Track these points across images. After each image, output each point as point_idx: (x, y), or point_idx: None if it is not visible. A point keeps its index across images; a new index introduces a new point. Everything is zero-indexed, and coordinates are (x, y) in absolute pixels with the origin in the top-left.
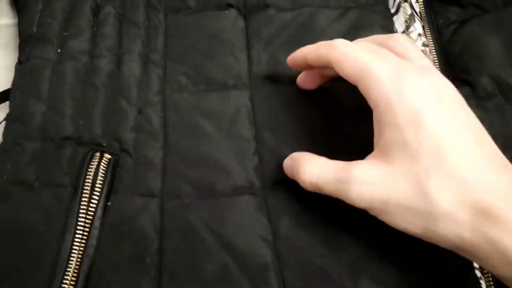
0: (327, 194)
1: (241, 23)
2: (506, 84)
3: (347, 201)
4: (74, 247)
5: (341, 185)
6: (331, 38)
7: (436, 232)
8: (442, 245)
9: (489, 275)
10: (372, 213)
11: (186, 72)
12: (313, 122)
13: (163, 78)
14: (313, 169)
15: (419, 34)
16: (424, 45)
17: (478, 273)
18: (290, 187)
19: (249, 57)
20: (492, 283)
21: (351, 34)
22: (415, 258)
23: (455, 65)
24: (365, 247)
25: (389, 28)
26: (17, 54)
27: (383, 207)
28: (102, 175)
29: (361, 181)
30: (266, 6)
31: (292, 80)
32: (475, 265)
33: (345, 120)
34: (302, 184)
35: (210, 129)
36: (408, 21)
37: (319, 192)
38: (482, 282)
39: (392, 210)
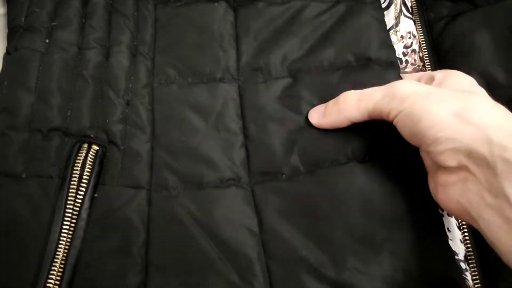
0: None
1: (230, 15)
2: (494, 80)
3: None
4: (61, 239)
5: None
6: (318, 28)
7: None
8: None
9: (475, 264)
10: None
11: (174, 65)
12: (299, 114)
13: (151, 70)
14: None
15: (402, 36)
16: (405, 47)
17: (463, 265)
18: (277, 179)
19: (237, 50)
20: (477, 273)
21: (339, 23)
22: (399, 253)
23: (445, 60)
24: (350, 238)
25: (379, 18)
26: (5, 44)
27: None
28: (90, 166)
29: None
30: None
31: (278, 71)
32: (461, 257)
33: None
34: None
35: (197, 122)
36: (397, 18)
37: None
38: (468, 274)
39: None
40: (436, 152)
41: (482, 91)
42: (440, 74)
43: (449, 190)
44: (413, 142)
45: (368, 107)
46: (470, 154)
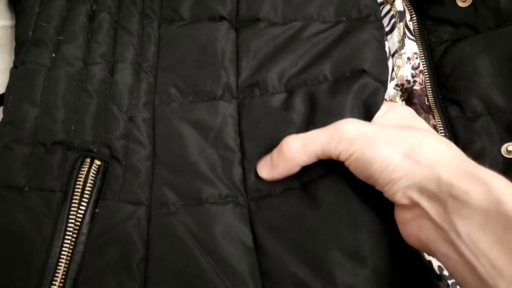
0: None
1: (232, 35)
2: (494, 105)
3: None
4: (63, 253)
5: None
6: (317, 45)
7: None
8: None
9: None
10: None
11: (176, 83)
12: (294, 128)
13: (153, 88)
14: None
15: (408, 58)
16: (413, 68)
17: None
18: (273, 197)
19: (237, 69)
20: None
21: (338, 41)
22: (383, 266)
23: (445, 84)
24: (339, 252)
25: (379, 38)
26: (13, 56)
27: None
28: (92, 181)
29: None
30: (258, 20)
31: (274, 87)
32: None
33: (323, 119)
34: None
35: (197, 139)
36: (401, 41)
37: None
38: None
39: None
40: (390, 192)
41: (422, 124)
42: (382, 109)
43: (408, 227)
44: (367, 182)
45: (315, 151)
46: (422, 191)
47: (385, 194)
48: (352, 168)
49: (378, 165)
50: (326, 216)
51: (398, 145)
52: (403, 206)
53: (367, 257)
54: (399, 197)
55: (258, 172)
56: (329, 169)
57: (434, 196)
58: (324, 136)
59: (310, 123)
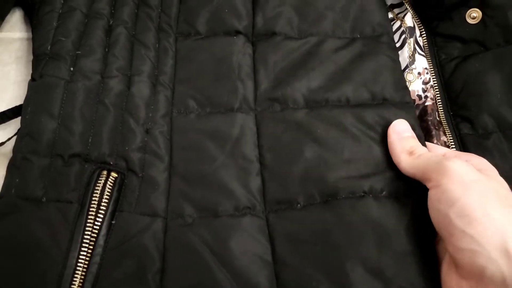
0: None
1: (248, 49)
2: (505, 122)
3: None
4: (79, 264)
5: None
6: (336, 63)
7: None
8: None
9: None
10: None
11: (193, 95)
12: (317, 144)
13: (171, 100)
14: None
15: (419, 73)
16: (424, 82)
17: None
18: (291, 208)
19: (255, 81)
20: None
21: (357, 61)
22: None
23: (456, 101)
24: (362, 269)
25: (395, 58)
26: (29, 68)
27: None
28: (108, 193)
29: None
30: (274, 34)
31: (296, 102)
32: None
33: (349, 142)
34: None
35: (214, 151)
36: (411, 56)
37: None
38: None
39: None
40: (456, 244)
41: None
42: (476, 160)
43: None
44: (436, 221)
45: (419, 166)
46: (487, 266)
47: (448, 246)
48: (433, 197)
49: (459, 208)
50: (351, 232)
51: (489, 201)
52: (460, 271)
53: (390, 278)
54: (462, 257)
55: (392, 125)
56: (356, 190)
57: (500, 276)
58: (438, 154)
59: (335, 142)
